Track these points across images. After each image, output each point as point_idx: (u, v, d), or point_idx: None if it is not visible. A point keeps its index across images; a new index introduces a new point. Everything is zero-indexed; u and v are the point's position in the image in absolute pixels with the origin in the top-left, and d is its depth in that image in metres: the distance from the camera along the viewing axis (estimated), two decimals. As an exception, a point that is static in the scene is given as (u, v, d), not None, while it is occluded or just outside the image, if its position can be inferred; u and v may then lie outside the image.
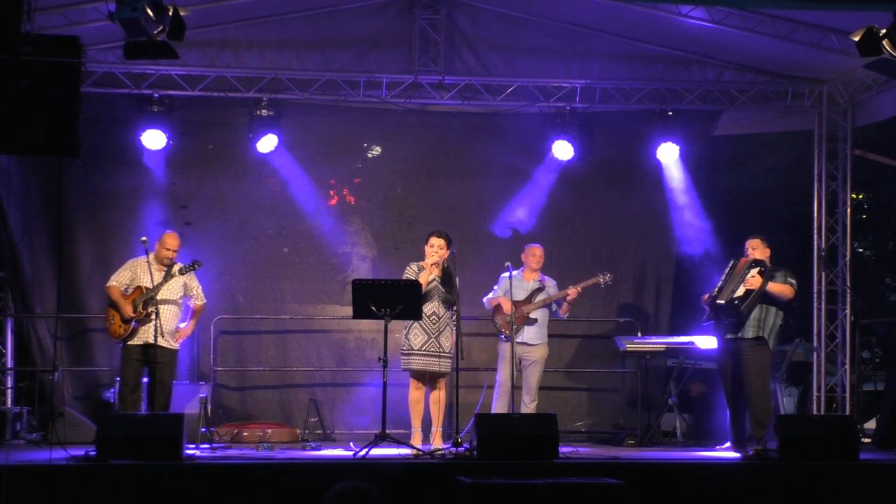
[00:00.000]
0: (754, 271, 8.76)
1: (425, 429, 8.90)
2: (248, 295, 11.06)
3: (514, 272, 9.47)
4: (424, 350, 8.69)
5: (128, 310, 8.81)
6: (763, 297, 8.74)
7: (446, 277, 8.76)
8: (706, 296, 9.10)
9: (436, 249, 8.76)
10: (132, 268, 9.02)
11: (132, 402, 8.84)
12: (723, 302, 8.79)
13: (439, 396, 8.79)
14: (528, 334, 9.45)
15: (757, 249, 8.97)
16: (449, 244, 8.83)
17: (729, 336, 8.84)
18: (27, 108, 5.93)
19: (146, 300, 8.82)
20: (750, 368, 8.70)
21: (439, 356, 8.69)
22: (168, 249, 9.00)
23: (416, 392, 8.80)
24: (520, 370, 9.45)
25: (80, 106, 6.08)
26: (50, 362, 10.11)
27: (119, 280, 8.95)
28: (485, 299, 9.57)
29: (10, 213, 10.29)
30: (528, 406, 9.43)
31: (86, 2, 9.15)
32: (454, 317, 8.72)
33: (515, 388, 9.33)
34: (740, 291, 8.75)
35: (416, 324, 8.69)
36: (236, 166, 11.06)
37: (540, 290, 9.56)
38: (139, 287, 8.92)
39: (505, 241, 11.02)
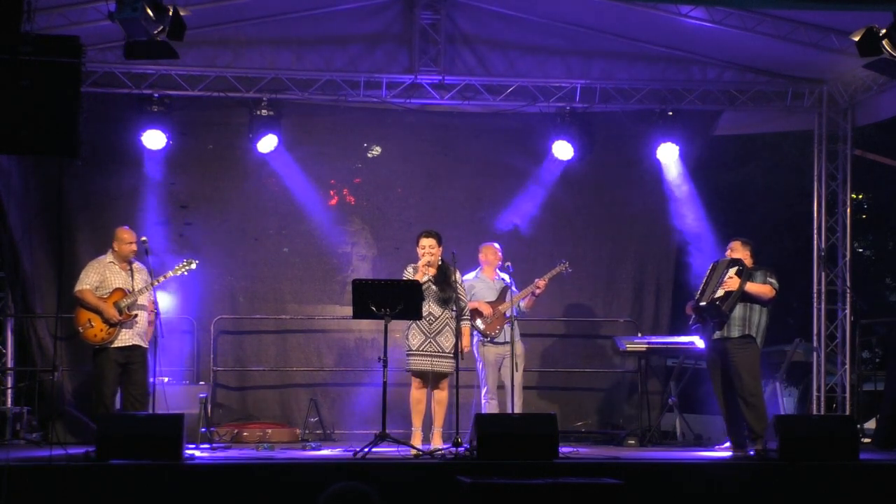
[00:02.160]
0: (732, 271, 8.76)
1: (426, 428, 8.89)
2: (248, 295, 11.06)
3: (475, 272, 9.51)
4: (422, 350, 8.67)
5: (112, 312, 8.74)
6: (743, 296, 8.74)
7: (441, 276, 8.72)
8: (689, 305, 9.11)
9: (427, 250, 8.73)
10: (98, 269, 8.87)
11: (112, 405, 8.80)
12: (704, 303, 8.81)
13: (441, 396, 8.76)
14: (507, 334, 9.36)
15: (736, 251, 8.99)
16: (440, 243, 8.80)
17: (716, 336, 8.84)
18: (27, 108, 5.93)
19: (131, 303, 8.78)
20: (740, 367, 8.69)
21: (436, 356, 8.64)
22: (130, 244, 8.88)
23: (417, 392, 8.78)
24: (499, 370, 9.40)
25: (80, 106, 6.08)
26: (50, 362, 10.09)
27: (90, 283, 8.83)
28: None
29: (10, 213, 10.27)
30: (517, 406, 9.31)
31: (86, 2, 9.15)
32: (454, 316, 8.71)
33: (500, 389, 9.36)
34: (720, 292, 8.76)
35: (414, 325, 8.68)
36: (236, 166, 11.07)
37: (507, 287, 9.45)
38: (119, 289, 8.83)
39: (505, 241, 11.01)
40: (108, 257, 8.93)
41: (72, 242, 10.61)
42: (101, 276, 8.85)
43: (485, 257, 9.59)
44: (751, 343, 8.74)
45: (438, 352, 8.66)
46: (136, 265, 8.98)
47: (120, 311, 8.74)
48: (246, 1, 9.89)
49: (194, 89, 10.46)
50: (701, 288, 8.96)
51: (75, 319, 8.86)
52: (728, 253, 9.02)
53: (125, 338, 8.78)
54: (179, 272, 9.11)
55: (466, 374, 9.39)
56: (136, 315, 8.80)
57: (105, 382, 8.76)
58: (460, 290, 8.76)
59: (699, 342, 10.15)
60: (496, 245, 9.68)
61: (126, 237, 8.94)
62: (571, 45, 10.80)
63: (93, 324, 8.75)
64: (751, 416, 8.61)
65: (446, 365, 8.69)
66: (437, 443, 8.56)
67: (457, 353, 8.51)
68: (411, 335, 8.70)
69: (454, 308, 8.70)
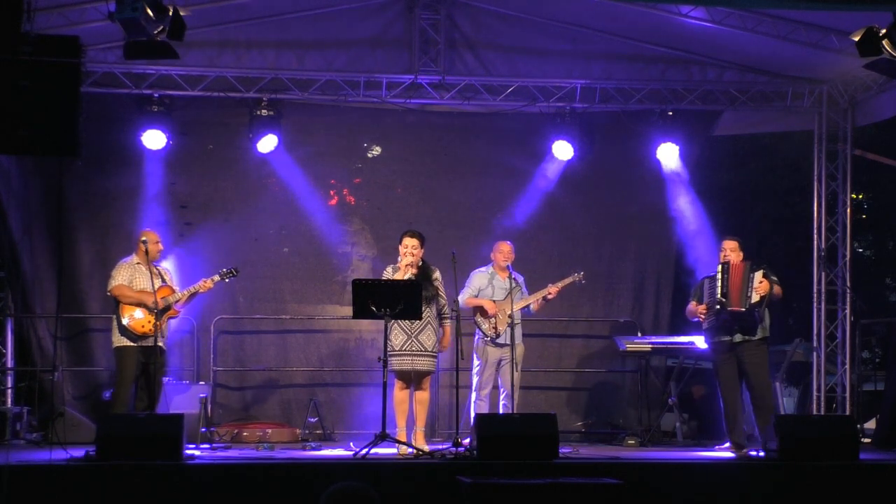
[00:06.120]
0: (759, 275, 8.75)
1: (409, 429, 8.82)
2: (248, 295, 11.06)
3: (484, 269, 9.51)
4: (404, 349, 8.54)
5: (153, 299, 8.64)
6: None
7: (422, 276, 8.69)
8: (702, 307, 8.97)
9: (409, 249, 8.69)
10: (127, 269, 8.84)
11: (129, 403, 8.80)
12: (743, 309, 8.74)
13: (423, 396, 8.69)
14: (509, 335, 9.33)
15: (734, 251, 8.97)
16: (422, 244, 8.75)
17: (736, 339, 8.81)
18: (27, 108, 5.92)
19: (176, 300, 8.79)
20: (758, 368, 8.75)
21: (417, 355, 8.55)
22: (157, 242, 8.92)
23: (400, 392, 8.67)
24: (497, 370, 9.38)
25: (80, 106, 6.07)
26: (50, 362, 10.10)
27: (123, 280, 8.77)
28: (461, 299, 9.24)
29: (10, 213, 10.28)
30: (516, 406, 9.24)
31: (86, 2, 9.14)
32: (436, 315, 8.68)
33: (494, 390, 9.38)
34: (755, 297, 8.74)
35: (395, 324, 8.55)
36: (236, 166, 11.07)
37: (516, 288, 9.39)
38: (167, 286, 8.82)
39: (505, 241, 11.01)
40: (135, 259, 8.90)
41: (72, 242, 10.61)
42: (130, 276, 8.83)
43: (494, 256, 9.55)
44: (765, 344, 8.84)
45: (420, 350, 8.60)
46: (161, 267, 9.00)
47: (168, 306, 8.73)
48: (246, 1, 9.89)
49: (194, 89, 10.45)
50: (720, 291, 8.78)
51: (118, 315, 8.73)
52: (726, 254, 8.97)
53: (152, 338, 8.77)
54: (226, 277, 9.12)
55: (465, 374, 9.40)
56: (180, 311, 8.84)
57: (125, 380, 8.72)
58: (440, 290, 8.74)
59: (699, 342, 10.16)
60: (504, 242, 9.65)
61: (154, 237, 8.97)
62: (571, 46, 10.80)
63: (140, 316, 8.72)
64: (763, 418, 8.57)
65: (428, 363, 8.62)
66: (419, 443, 8.51)
67: (457, 353, 8.49)
68: (392, 335, 8.54)
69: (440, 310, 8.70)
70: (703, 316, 8.94)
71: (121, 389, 8.74)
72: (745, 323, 8.77)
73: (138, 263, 8.89)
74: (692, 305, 9.13)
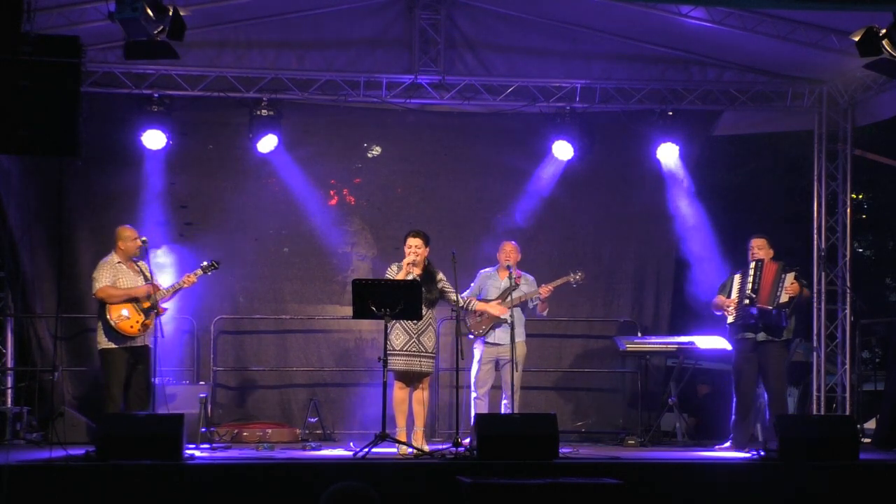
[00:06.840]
0: (790, 277, 8.82)
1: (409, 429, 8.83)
2: (248, 295, 11.06)
3: (490, 269, 9.54)
4: (406, 350, 8.53)
5: (143, 291, 8.66)
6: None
7: (426, 276, 8.70)
8: (730, 300, 8.99)
9: (413, 249, 8.69)
10: (109, 269, 8.83)
11: (120, 403, 8.80)
12: (770, 307, 8.77)
13: (422, 396, 8.67)
14: (499, 335, 9.32)
15: (762, 249, 9.01)
16: (426, 243, 8.75)
17: (760, 338, 8.83)
18: (27, 108, 5.93)
19: (161, 297, 8.80)
20: (779, 369, 8.86)
21: (420, 356, 8.55)
22: (135, 240, 8.89)
23: (400, 392, 8.67)
24: (498, 370, 9.40)
25: (80, 106, 6.08)
26: (50, 362, 10.10)
27: (107, 280, 8.77)
28: (464, 297, 9.27)
29: (10, 213, 10.28)
30: (516, 406, 9.23)
31: (86, 2, 9.15)
32: (450, 312, 8.69)
33: (494, 389, 9.38)
34: (784, 298, 8.77)
35: (397, 324, 8.54)
36: (236, 166, 11.07)
37: (514, 288, 9.38)
38: (152, 284, 8.82)
39: (504, 241, 10.99)
40: (115, 258, 8.89)
41: (72, 242, 10.61)
42: (113, 276, 8.82)
43: (498, 256, 9.57)
44: (787, 347, 9.01)
45: (422, 351, 8.59)
46: (142, 264, 8.99)
47: (153, 305, 8.72)
48: (246, 1, 9.89)
49: (194, 89, 10.46)
50: (751, 287, 8.88)
51: (107, 316, 8.72)
52: (755, 252, 9.03)
53: (143, 337, 8.77)
54: (208, 271, 9.13)
55: (464, 375, 9.40)
56: (166, 310, 8.84)
57: (115, 382, 8.73)
58: (447, 288, 8.72)
59: (699, 342, 10.19)
60: (508, 242, 9.65)
61: (130, 234, 8.95)
62: (571, 46, 10.80)
63: (128, 315, 8.73)
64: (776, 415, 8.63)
65: (429, 364, 8.65)
66: (419, 443, 8.51)
67: (457, 352, 8.48)
68: (394, 335, 8.52)
69: (453, 307, 8.70)
70: (729, 309, 8.97)
71: (112, 391, 8.73)
72: (771, 322, 8.83)
73: (119, 262, 8.87)
74: (719, 299, 9.19)
